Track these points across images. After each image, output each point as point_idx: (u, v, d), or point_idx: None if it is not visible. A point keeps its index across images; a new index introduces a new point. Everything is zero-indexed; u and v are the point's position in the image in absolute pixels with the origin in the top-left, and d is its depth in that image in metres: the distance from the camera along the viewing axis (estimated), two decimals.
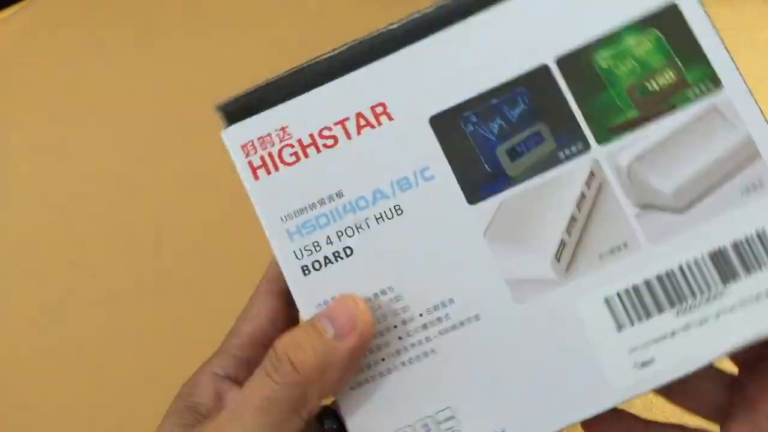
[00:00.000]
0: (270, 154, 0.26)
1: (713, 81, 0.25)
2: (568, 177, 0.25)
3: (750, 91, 0.25)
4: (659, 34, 0.25)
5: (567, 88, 0.25)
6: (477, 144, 0.26)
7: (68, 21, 0.55)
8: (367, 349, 0.24)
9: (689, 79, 0.25)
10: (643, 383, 0.24)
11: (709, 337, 0.24)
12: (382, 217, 0.25)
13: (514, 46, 0.26)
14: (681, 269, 0.24)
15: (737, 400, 0.26)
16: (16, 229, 0.49)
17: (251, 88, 0.26)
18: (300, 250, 0.25)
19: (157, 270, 0.47)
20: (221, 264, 0.46)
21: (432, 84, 0.26)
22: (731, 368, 0.28)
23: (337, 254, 0.25)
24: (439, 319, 0.25)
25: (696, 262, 0.24)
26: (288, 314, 0.27)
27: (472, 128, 0.26)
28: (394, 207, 0.25)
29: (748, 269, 0.24)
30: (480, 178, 0.25)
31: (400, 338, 0.25)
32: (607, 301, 0.24)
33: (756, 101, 0.25)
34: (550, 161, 0.25)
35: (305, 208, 0.26)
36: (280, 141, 0.26)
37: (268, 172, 0.26)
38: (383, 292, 0.25)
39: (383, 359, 0.25)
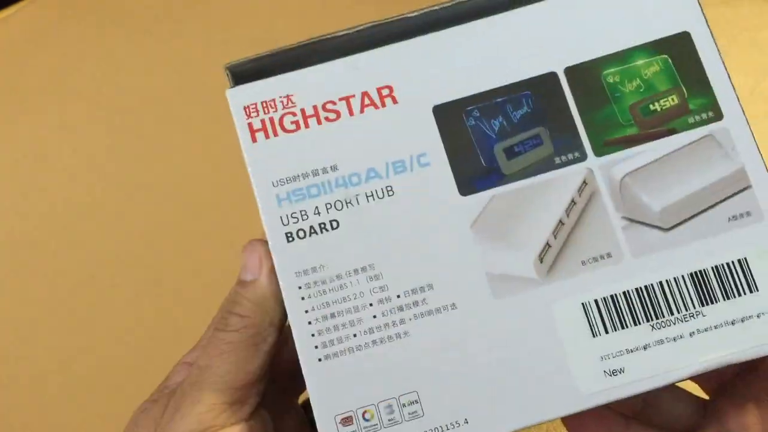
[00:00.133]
0: (271, 119, 0.26)
1: (715, 111, 0.26)
2: (561, 182, 0.25)
3: (749, 125, 0.25)
4: (668, 59, 0.26)
5: (572, 97, 0.26)
6: (476, 138, 0.26)
7: (68, 21, 0.55)
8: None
9: (691, 106, 0.26)
10: (610, 391, 0.24)
11: (681, 355, 0.24)
12: (372, 195, 0.25)
13: (526, 50, 0.26)
14: (660, 285, 0.24)
15: (707, 417, 0.26)
16: (15, 229, 0.49)
17: (262, 53, 0.27)
18: (287, 216, 0.25)
19: (158, 270, 0.47)
20: (221, 264, 0.45)
21: (441, 74, 0.26)
22: (702, 392, 0.28)
23: (323, 225, 0.25)
24: (415, 303, 0.25)
25: (676, 281, 0.24)
26: None
27: (473, 122, 0.26)
28: (386, 188, 0.25)
29: (726, 294, 0.24)
30: (475, 172, 0.26)
31: (374, 317, 0.25)
32: (584, 307, 0.24)
33: (753, 136, 0.25)
34: (546, 165, 0.26)
35: (298, 176, 0.26)
36: (284, 107, 0.26)
37: (267, 137, 0.26)
38: (363, 269, 0.25)
39: (355, 335, 0.25)
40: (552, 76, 0.26)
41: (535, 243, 0.25)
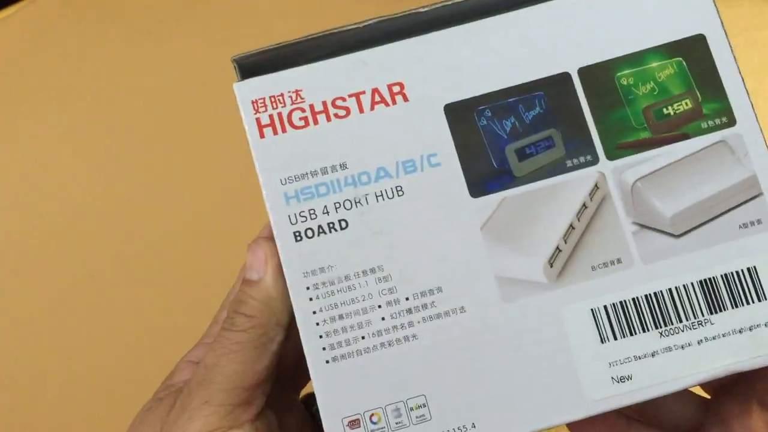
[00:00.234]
0: (279, 115, 0.25)
1: (728, 117, 0.25)
2: (573, 186, 0.25)
3: (761, 131, 0.25)
4: (683, 62, 0.26)
5: (585, 99, 0.26)
6: (488, 139, 0.25)
7: (68, 21, 0.54)
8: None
9: (705, 110, 0.25)
10: (618, 398, 0.24)
11: (689, 362, 0.24)
12: (382, 195, 0.25)
13: (540, 50, 0.26)
14: (670, 292, 0.24)
15: (710, 417, 0.26)
16: (16, 229, 0.49)
17: (270, 46, 0.26)
18: (295, 215, 0.25)
19: (158, 270, 0.47)
20: (221, 264, 0.45)
21: (453, 72, 0.26)
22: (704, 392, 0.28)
23: (331, 225, 0.25)
24: (424, 306, 0.25)
25: (686, 288, 0.24)
26: None
27: (485, 122, 0.26)
28: (396, 187, 0.25)
29: (735, 302, 0.24)
30: (485, 173, 0.25)
31: (383, 319, 0.24)
32: (593, 313, 0.24)
33: (766, 143, 0.25)
34: (557, 167, 0.25)
35: (307, 174, 0.25)
36: (292, 103, 0.25)
37: (275, 133, 0.25)
38: (372, 270, 0.25)
39: (363, 337, 0.24)
40: (565, 77, 0.26)
41: (546, 247, 0.25)
